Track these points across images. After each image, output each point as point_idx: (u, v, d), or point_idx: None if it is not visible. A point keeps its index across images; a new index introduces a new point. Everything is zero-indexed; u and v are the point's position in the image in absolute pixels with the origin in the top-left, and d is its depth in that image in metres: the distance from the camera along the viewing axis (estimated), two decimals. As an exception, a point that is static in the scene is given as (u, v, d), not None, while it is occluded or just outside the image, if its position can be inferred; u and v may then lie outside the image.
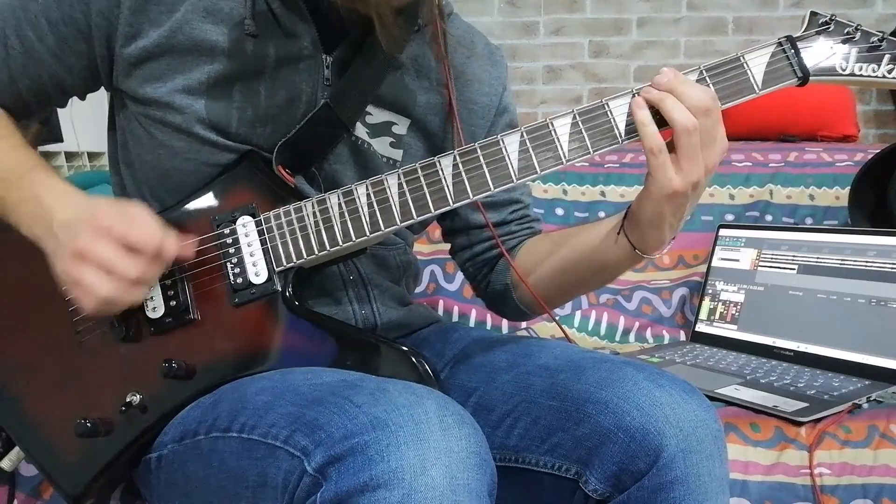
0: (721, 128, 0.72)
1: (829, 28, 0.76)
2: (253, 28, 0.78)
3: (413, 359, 0.73)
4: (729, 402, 1.10)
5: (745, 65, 0.75)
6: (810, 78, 0.75)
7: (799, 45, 0.75)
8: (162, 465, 0.75)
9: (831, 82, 0.78)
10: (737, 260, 1.49)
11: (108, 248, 0.68)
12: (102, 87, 0.85)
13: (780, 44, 0.75)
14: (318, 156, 0.83)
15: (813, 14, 0.77)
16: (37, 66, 0.80)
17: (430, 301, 1.57)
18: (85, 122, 2.06)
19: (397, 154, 0.88)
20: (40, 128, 1.66)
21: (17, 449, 0.80)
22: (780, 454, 1.01)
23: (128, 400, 0.75)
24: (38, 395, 0.79)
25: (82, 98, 0.86)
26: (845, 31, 0.76)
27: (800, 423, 1.03)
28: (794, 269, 1.39)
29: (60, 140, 2.03)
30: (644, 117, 0.71)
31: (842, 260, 1.32)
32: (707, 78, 0.74)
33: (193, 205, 0.80)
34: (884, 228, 1.38)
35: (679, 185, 0.71)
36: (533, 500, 0.75)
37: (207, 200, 0.80)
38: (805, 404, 1.07)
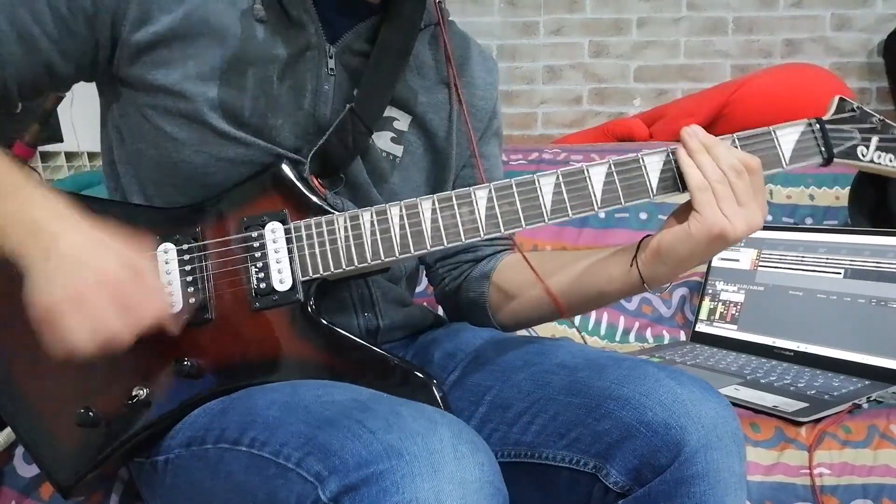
0: (755, 192, 0.75)
1: (855, 115, 0.81)
2: (262, 13, 0.79)
3: (424, 379, 0.73)
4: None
5: (775, 139, 0.79)
6: (834, 160, 0.80)
7: (827, 128, 0.80)
8: (168, 469, 0.75)
9: (852, 167, 0.82)
10: (737, 260, 1.49)
11: (106, 307, 0.66)
12: (90, 80, 0.83)
13: (809, 124, 0.80)
14: (346, 162, 0.83)
15: (841, 100, 0.82)
16: (29, 50, 0.76)
17: (431, 301, 1.57)
18: (85, 122, 2.05)
19: (398, 150, 0.88)
20: (39, 128, 1.65)
21: (8, 430, 0.77)
22: (780, 454, 1.01)
23: (134, 393, 0.74)
24: (41, 381, 0.77)
25: (67, 88, 0.83)
26: (869, 119, 0.81)
27: (800, 423, 1.03)
28: (793, 268, 1.39)
29: (60, 140, 2.03)
30: (685, 160, 0.76)
31: (841, 260, 1.32)
32: (739, 148, 0.78)
33: (224, 203, 0.79)
34: (884, 228, 1.38)
35: (724, 226, 0.74)
36: (546, 492, 0.75)
37: (238, 200, 0.79)
38: (805, 404, 1.07)
